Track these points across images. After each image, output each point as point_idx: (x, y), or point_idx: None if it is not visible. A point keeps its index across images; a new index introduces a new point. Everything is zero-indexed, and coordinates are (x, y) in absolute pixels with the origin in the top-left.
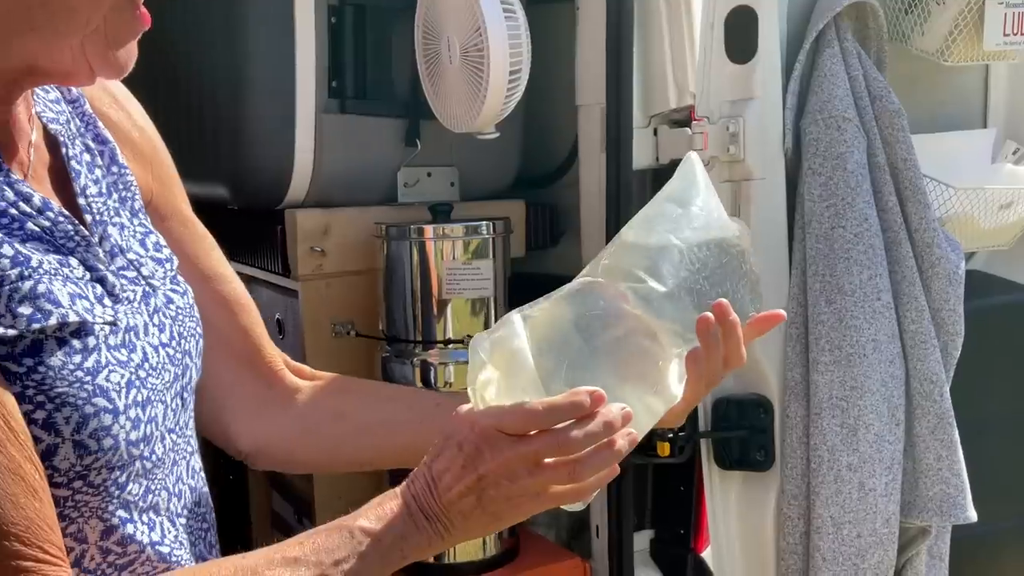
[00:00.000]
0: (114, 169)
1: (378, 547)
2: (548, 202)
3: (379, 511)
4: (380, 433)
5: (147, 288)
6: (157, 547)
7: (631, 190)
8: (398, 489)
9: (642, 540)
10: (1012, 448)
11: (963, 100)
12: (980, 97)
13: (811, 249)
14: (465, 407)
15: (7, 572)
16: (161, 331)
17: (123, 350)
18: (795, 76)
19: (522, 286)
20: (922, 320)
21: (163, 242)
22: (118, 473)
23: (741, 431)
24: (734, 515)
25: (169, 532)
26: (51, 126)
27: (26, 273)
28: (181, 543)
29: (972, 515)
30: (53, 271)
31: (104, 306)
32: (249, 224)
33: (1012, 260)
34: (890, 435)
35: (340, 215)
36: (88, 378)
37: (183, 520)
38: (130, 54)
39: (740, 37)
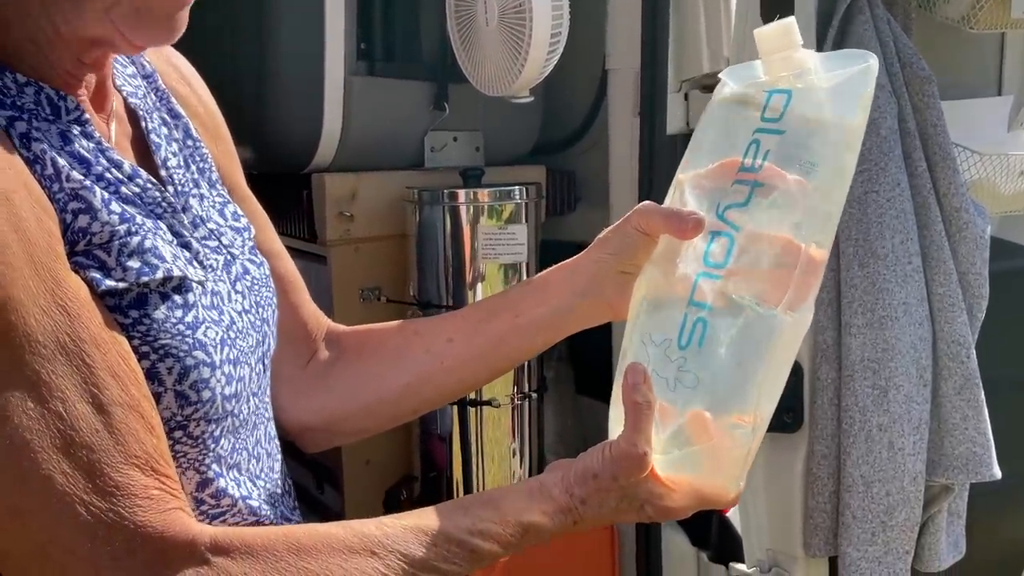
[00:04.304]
0: (189, 142)
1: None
2: (566, 167)
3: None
4: (407, 391)
5: (228, 256)
6: (247, 501)
7: (665, 155)
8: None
9: None
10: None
11: (978, 68)
12: (995, 65)
13: (844, 214)
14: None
15: (131, 501)
16: (243, 298)
17: (213, 311)
18: (827, 43)
19: (544, 252)
20: (950, 283)
21: (240, 212)
22: (213, 426)
23: None
24: (761, 476)
25: (252, 491)
26: (131, 100)
27: (133, 229)
28: (263, 502)
29: (997, 472)
30: (151, 231)
31: (194, 267)
32: (273, 189)
33: None
34: (918, 396)
35: (368, 179)
36: (189, 332)
37: (261, 482)
38: (174, 21)
39: (776, 2)
